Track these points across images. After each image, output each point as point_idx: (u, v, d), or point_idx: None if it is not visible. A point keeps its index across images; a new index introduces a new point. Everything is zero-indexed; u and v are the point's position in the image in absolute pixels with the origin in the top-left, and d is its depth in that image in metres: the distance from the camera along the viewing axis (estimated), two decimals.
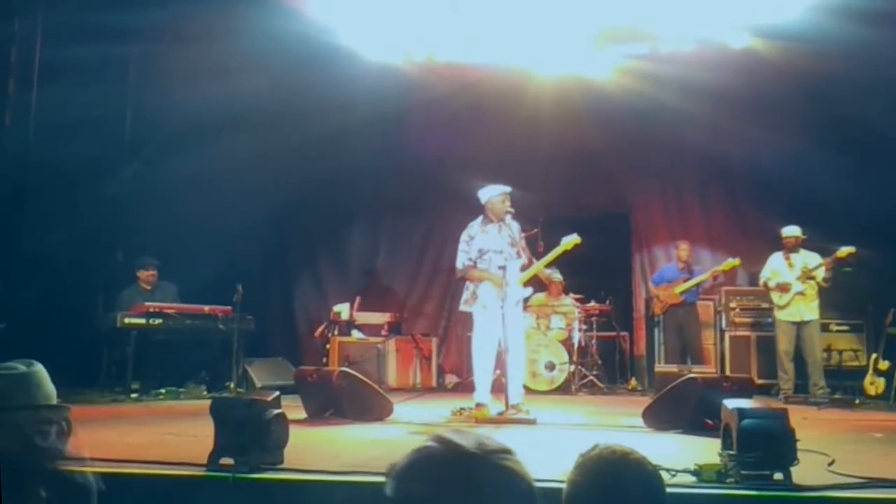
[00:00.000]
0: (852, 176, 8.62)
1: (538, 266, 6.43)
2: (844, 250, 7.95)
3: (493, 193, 6.36)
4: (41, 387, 1.97)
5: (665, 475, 3.34)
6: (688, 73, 9.06)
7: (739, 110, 9.32)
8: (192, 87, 8.48)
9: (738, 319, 9.53)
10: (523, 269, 6.37)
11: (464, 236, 6.44)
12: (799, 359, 8.31)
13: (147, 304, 7.84)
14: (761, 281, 8.61)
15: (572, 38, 9.23)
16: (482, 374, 6.28)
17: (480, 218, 6.44)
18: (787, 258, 8.38)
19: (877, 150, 8.63)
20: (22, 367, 1.96)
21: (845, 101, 8.67)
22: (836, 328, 9.08)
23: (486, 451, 1.26)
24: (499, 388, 6.26)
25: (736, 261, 8.79)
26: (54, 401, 2.00)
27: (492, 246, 6.26)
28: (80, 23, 7.66)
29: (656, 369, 8.40)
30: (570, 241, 6.37)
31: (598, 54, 9.47)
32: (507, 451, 1.29)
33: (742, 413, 3.25)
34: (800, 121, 9.33)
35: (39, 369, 1.99)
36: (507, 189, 6.39)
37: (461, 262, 6.38)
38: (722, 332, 9.55)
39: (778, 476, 3.18)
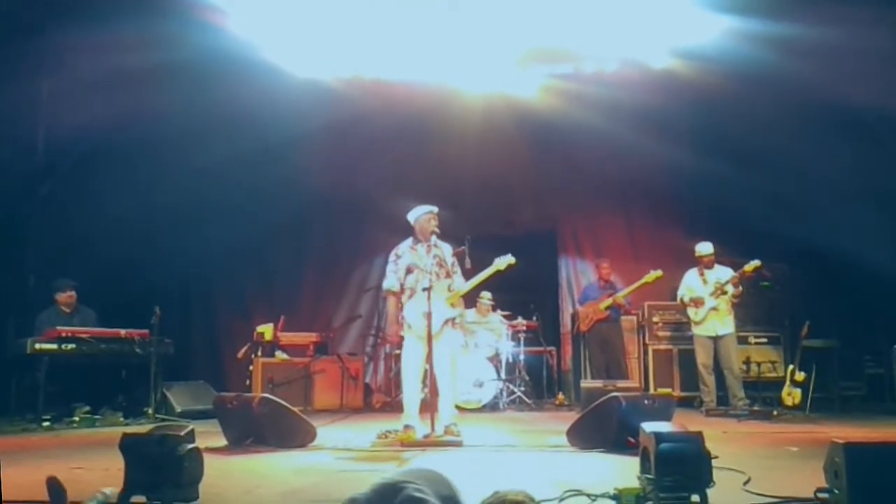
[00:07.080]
0: (769, 196, 8.92)
1: (468, 286, 6.35)
2: (751, 265, 8.18)
3: (419, 213, 6.34)
4: None
5: (585, 500, 3.39)
6: (610, 93, 9.28)
7: (659, 129, 9.56)
8: (111, 103, 8.22)
9: (660, 333, 9.74)
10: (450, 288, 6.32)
11: (391, 256, 6.41)
12: (719, 372, 8.52)
13: (60, 328, 7.53)
14: (678, 297, 8.83)
15: (498, 56, 9.34)
16: (410, 395, 6.22)
17: (410, 239, 6.40)
18: (702, 274, 8.62)
19: (791, 171, 8.93)
20: None
21: (758, 124, 8.97)
22: (754, 341, 9.37)
23: None
24: (426, 408, 6.20)
25: (658, 272, 8.89)
26: None
27: (419, 265, 6.22)
28: None
29: (582, 385, 8.50)
30: (504, 261, 6.23)
31: (524, 73, 9.60)
32: None
33: (659, 437, 3.28)
34: (718, 141, 9.57)
35: None
36: (433, 208, 6.37)
37: (389, 282, 6.31)
38: (645, 345, 9.74)
39: (695, 499, 3.23)
